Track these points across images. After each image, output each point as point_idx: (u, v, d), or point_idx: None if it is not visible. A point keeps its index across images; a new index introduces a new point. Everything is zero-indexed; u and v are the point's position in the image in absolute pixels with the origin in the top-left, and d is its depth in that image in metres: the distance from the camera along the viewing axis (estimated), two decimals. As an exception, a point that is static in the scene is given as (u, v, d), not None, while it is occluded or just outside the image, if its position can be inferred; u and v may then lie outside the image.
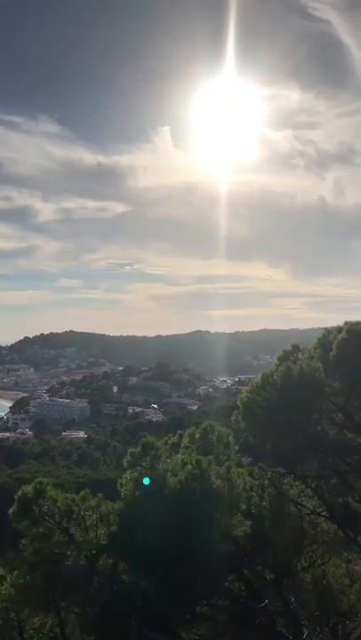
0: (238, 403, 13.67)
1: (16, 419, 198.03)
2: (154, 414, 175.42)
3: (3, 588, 9.50)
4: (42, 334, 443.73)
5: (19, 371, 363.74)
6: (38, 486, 9.98)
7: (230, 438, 12.03)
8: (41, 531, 9.84)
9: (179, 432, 12.87)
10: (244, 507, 10.52)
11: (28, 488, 10.00)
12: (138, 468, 10.76)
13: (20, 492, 10.13)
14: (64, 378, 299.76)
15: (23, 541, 10.00)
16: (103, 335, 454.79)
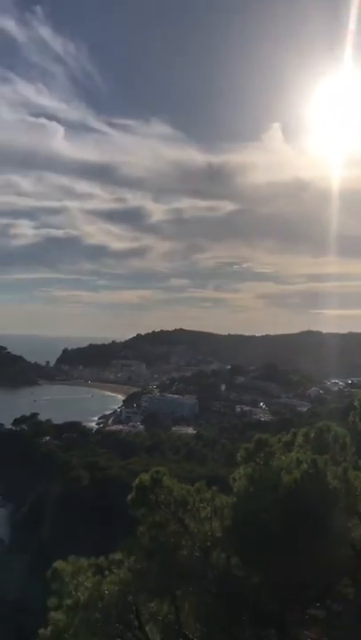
0: (356, 404, 13.22)
1: (128, 412, 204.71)
2: (262, 414, 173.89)
3: (120, 572, 9.89)
4: (153, 332, 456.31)
5: (131, 366, 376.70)
6: (155, 475, 10.27)
7: (347, 439, 11.65)
8: (157, 519, 10.12)
9: (292, 430, 12.69)
10: (361, 510, 10.15)
11: (146, 477, 10.32)
12: (251, 463, 10.74)
13: (137, 480, 10.49)
14: (174, 374, 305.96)
15: (140, 528, 10.34)
16: (211, 334, 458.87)
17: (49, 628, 9.49)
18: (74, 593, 9.64)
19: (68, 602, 9.54)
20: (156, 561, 9.77)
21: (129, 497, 10.54)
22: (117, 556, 10.23)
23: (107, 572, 9.97)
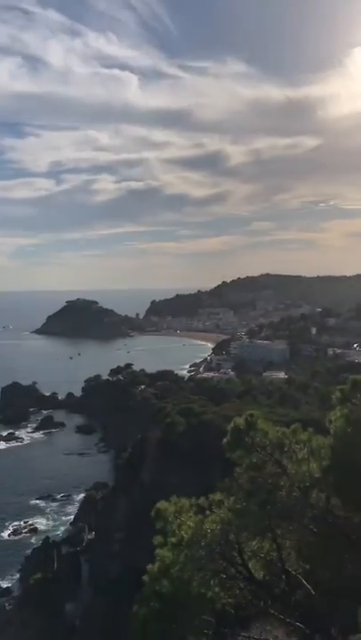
0: None
1: (219, 360, 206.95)
2: (356, 356, 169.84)
3: (221, 511, 10.14)
4: (238, 278, 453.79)
5: (218, 314, 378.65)
6: (249, 418, 10.32)
7: None
8: (254, 461, 10.22)
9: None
10: None
11: (240, 420, 10.40)
12: (348, 404, 10.51)
13: (232, 424, 10.59)
14: (262, 320, 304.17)
15: (238, 470, 10.50)
16: (299, 277, 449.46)
17: (156, 564, 9.97)
18: (177, 531, 10.04)
19: (173, 540, 9.95)
20: (255, 501, 9.92)
21: (224, 440, 10.68)
22: (217, 496, 10.48)
23: (207, 512, 10.26)
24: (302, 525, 10.13)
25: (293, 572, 10.34)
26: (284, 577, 10.32)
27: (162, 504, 10.33)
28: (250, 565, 10.08)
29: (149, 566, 10.00)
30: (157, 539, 10.20)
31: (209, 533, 9.74)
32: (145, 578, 10.00)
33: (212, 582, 9.64)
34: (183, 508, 10.29)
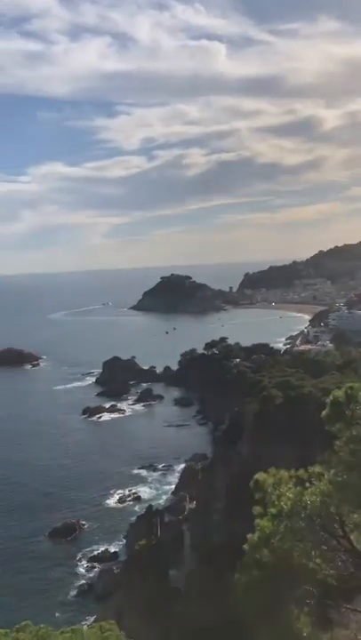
0: None
1: (316, 331, 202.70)
2: None
3: (321, 484, 10.06)
4: (335, 247, 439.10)
5: (315, 285, 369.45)
6: (349, 391, 10.10)
7: None
8: (354, 433, 10.01)
9: None
10: None
11: (340, 392, 10.20)
12: None
13: (331, 397, 10.41)
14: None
15: (338, 442, 10.33)
16: None
17: (256, 534, 10.10)
18: (277, 502, 10.10)
19: (273, 510, 10.03)
20: (356, 474, 9.75)
21: (324, 413, 10.53)
22: (316, 468, 10.41)
23: (307, 484, 10.22)
24: None
25: None
26: (387, 551, 10.11)
27: (260, 475, 10.41)
28: (352, 538, 9.97)
29: (249, 535, 10.15)
30: (257, 509, 10.31)
31: (309, 505, 9.72)
32: (245, 546, 10.18)
33: (313, 553, 9.65)
34: (282, 480, 10.32)
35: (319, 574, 9.65)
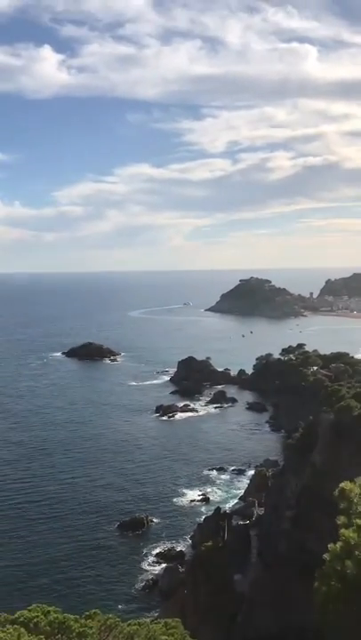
0: None
1: None
2: None
3: None
4: None
5: None
6: None
7: None
8: None
9: None
10: None
11: None
12: None
13: None
14: None
15: None
16: None
17: (339, 544, 9.81)
18: (363, 514, 9.77)
19: (358, 521, 9.71)
20: None
21: None
22: None
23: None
24: None
25: None
26: None
27: (346, 484, 10.10)
28: None
29: (331, 545, 9.87)
30: (341, 519, 10.02)
31: None
32: (326, 556, 9.91)
33: None
34: (369, 491, 9.97)
35: None
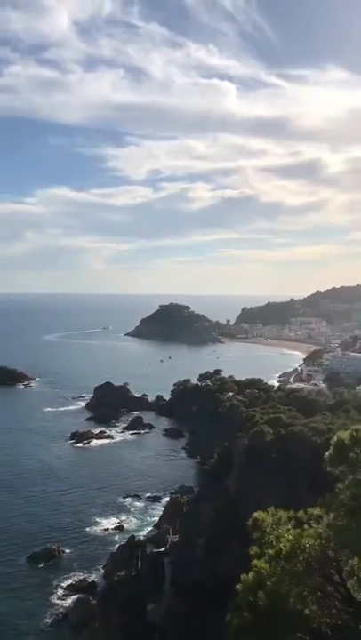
0: None
1: (310, 370, 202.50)
2: None
3: (320, 527, 9.86)
4: (333, 288, 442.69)
5: (311, 324, 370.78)
6: (355, 434, 9.97)
7: None
8: (358, 478, 9.85)
9: None
10: None
11: (345, 434, 10.07)
12: None
13: (335, 438, 10.27)
14: (357, 332, 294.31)
15: (339, 485, 10.16)
16: None
17: (251, 574, 9.84)
18: (275, 543, 9.86)
19: (270, 552, 9.79)
20: (357, 519, 9.55)
21: (327, 454, 10.37)
22: (316, 511, 10.20)
23: (306, 526, 9.99)
24: None
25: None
26: (384, 601, 9.84)
27: (260, 514, 10.19)
28: (348, 585, 9.72)
29: (244, 576, 9.88)
30: (254, 549, 10.07)
31: (307, 548, 9.49)
32: (239, 587, 9.90)
33: (309, 599, 9.39)
34: (281, 520, 10.10)
35: (314, 621, 9.37)
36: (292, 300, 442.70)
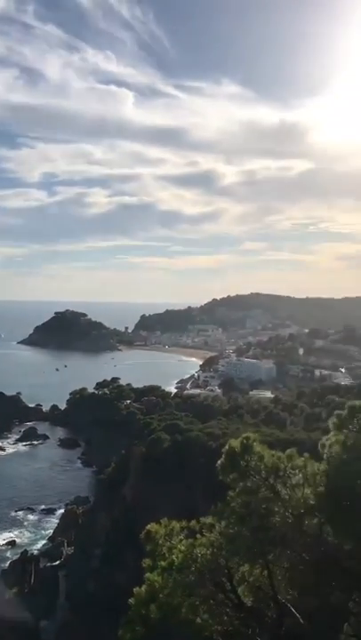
0: None
1: (206, 376, 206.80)
2: (342, 378, 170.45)
3: (212, 535, 9.94)
4: (228, 296, 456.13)
5: (208, 331, 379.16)
6: (245, 441, 10.15)
7: None
8: (248, 485, 10.03)
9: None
10: None
11: (236, 443, 10.23)
12: (344, 430, 10.41)
13: (227, 446, 10.40)
14: (250, 339, 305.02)
15: (231, 493, 10.30)
16: (289, 297, 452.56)
17: (144, 588, 9.71)
18: (167, 555, 9.80)
19: (163, 563, 9.71)
20: (248, 526, 9.73)
21: (218, 462, 10.49)
22: (208, 520, 10.27)
23: (198, 536, 10.04)
24: (294, 552, 9.95)
25: (283, 600, 10.13)
26: (273, 604, 10.10)
27: (153, 526, 10.09)
28: (239, 591, 9.86)
29: (136, 589, 9.73)
30: (146, 562, 9.95)
31: (200, 558, 9.52)
32: (131, 601, 9.73)
33: (201, 608, 9.41)
34: (174, 531, 10.07)
35: (206, 630, 9.41)
36: (189, 307, 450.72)
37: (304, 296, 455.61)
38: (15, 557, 70.02)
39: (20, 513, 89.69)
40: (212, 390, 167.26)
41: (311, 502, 9.71)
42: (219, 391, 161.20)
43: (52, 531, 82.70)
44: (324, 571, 9.89)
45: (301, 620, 10.00)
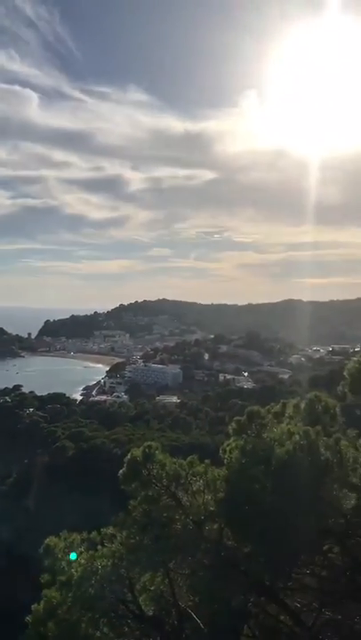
0: (346, 374, 13.13)
1: (112, 383, 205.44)
2: (245, 382, 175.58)
3: (113, 546, 9.82)
4: (136, 302, 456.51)
5: (114, 337, 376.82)
6: (147, 450, 10.13)
7: (337, 410, 11.60)
8: (150, 494, 10.01)
9: (282, 401, 12.62)
10: (354, 480, 10.15)
11: (138, 452, 10.18)
12: (243, 435, 10.67)
13: (129, 456, 10.33)
14: (157, 344, 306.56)
15: (132, 502, 10.25)
16: (194, 303, 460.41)
17: (42, 605, 9.41)
18: (67, 569, 9.57)
19: (62, 578, 9.47)
20: (149, 535, 9.71)
21: (120, 472, 10.40)
22: (110, 530, 10.15)
23: (99, 547, 9.89)
24: (195, 558, 10.05)
25: (183, 607, 10.20)
26: (173, 612, 10.15)
27: (51, 540, 9.82)
28: (140, 601, 9.82)
29: (34, 606, 9.42)
30: (45, 577, 9.65)
31: (100, 570, 9.38)
32: (28, 619, 9.40)
33: (101, 622, 9.25)
34: (74, 544, 9.85)
35: (106, 644, 9.28)
36: (96, 313, 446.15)
37: (209, 302, 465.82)
38: None
39: None
40: (118, 396, 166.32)
41: (211, 508, 9.86)
42: (125, 397, 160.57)
43: None
44: (224, 575, 10.08)
45: (202, 626, 10.12)
